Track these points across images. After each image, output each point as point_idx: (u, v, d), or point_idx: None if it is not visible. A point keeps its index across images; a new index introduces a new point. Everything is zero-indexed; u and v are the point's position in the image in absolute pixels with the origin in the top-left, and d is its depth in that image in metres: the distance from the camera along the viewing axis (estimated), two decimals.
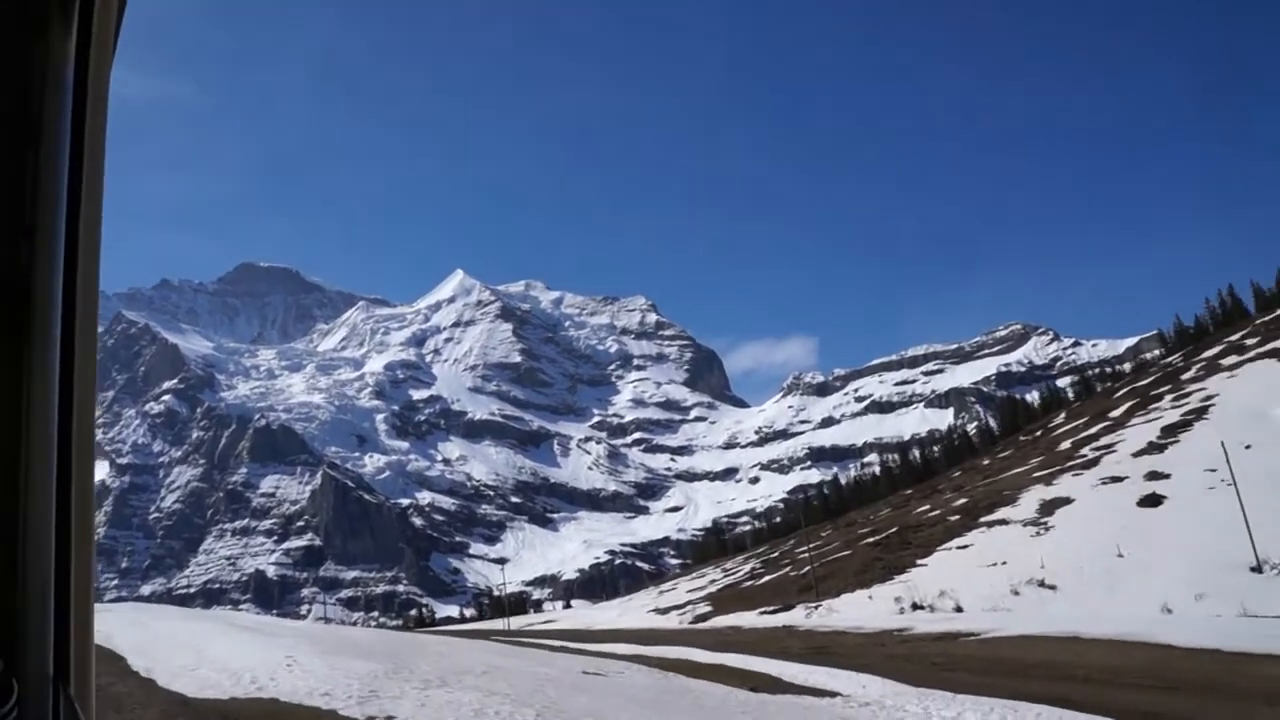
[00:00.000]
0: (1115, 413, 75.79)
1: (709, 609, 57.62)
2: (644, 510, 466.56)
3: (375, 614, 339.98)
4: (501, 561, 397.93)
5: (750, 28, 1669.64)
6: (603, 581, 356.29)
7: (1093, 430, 72.42)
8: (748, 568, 79.05)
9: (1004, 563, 47.50)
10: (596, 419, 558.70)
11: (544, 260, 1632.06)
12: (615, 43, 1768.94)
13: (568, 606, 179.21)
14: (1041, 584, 45.13)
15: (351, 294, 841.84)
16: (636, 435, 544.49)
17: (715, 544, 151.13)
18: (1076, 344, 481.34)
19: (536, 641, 40.46)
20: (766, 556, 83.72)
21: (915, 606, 45.15)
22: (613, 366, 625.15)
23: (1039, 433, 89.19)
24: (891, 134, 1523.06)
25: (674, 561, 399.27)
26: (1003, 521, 53.60)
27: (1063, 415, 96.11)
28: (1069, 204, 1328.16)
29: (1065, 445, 70.93)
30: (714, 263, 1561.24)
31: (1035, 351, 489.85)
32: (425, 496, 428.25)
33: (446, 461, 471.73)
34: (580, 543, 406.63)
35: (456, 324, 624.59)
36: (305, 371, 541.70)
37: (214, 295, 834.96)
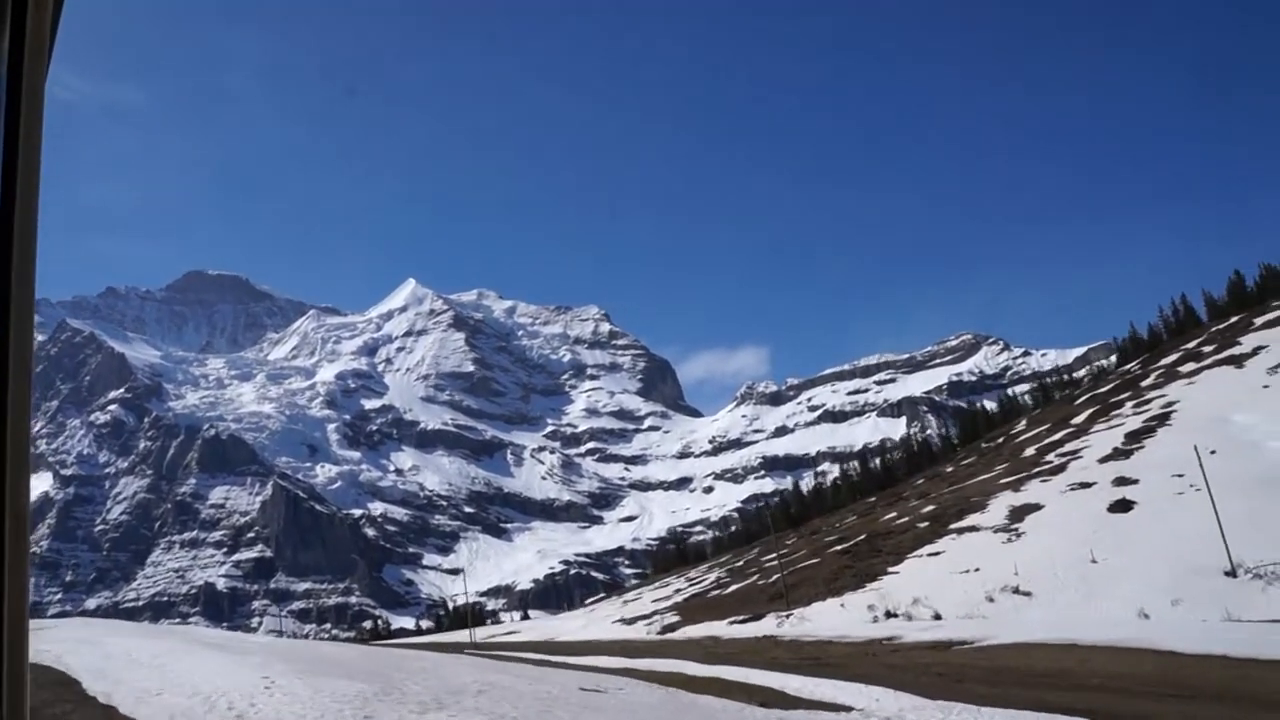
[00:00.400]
0: (1077, 419, 76.09)
1: (677, 619, 56.83)
2: (598, 520, 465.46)
3: (327, 626, 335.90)
4: (455, 572, 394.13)
5: (700, 29, 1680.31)
6: (558, 592, 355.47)
7: (1056, 437, 72.58)
8: (713, 577, 78.38)
9: (977, 569, 47.10)
10: (550, 428, 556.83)
11: (497, 269, 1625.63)
12: (564, 46, 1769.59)
13: (525, 618, 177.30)
14: (1016, 590, 44.74)
15: (302, 302, 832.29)
16: (590, 445, 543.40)
17: (676, 553, 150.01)
18: (1026, 354, 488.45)
19: (515, 655, 39.21)
20: (731, 565, 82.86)
21: (889, 614, 44.58)
22: (566, 376, 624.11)
23: (1001, 440, 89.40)
24: (844, 141, 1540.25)
25: (629, 571, 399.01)
26: (973, 528, 53.27)
27: (1024, 422, 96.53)
28: (1019, 213, 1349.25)
29: (1030, 452, 70.99)
30: (667, 272, 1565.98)
31: (986, 361, 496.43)
32: (378, 507, 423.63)
33: (399, 472, 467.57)
34: (535, 553, 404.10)
35: (408, 333, 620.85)
36: (255, 381, 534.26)
37: (161, 303, 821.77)
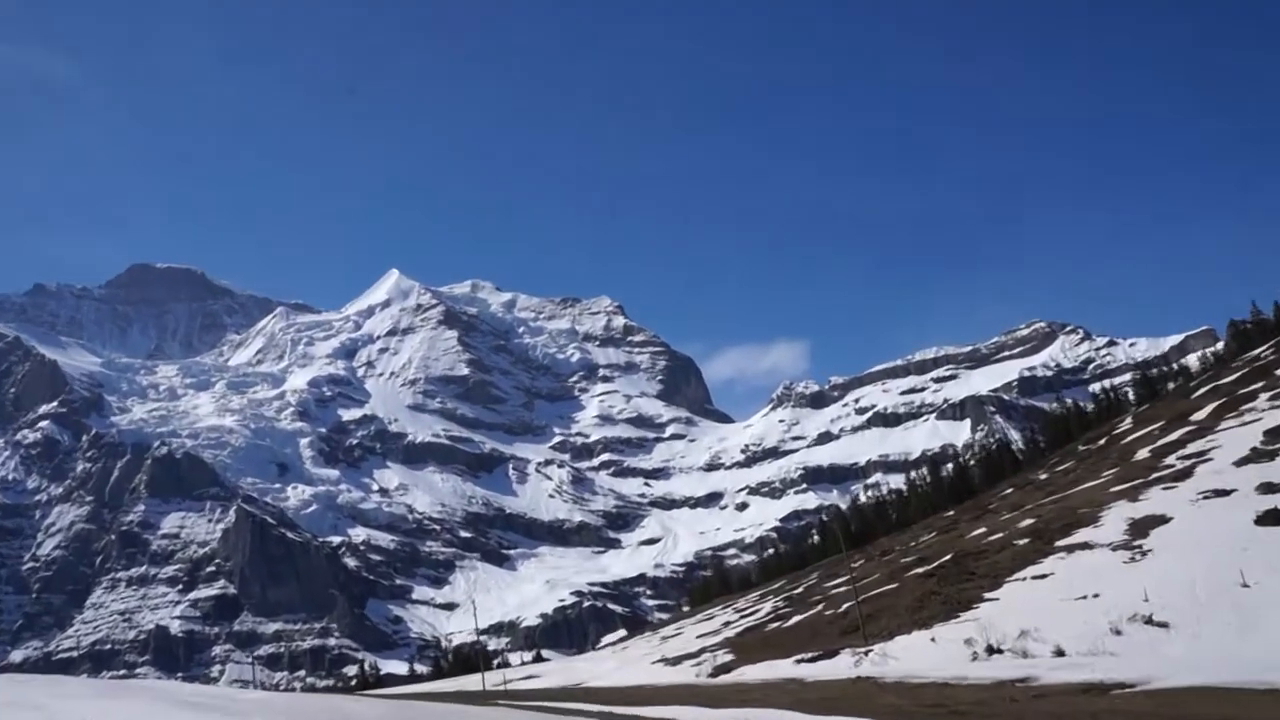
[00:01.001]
0: (1198, 415, 73.46)
1: (730, 658, 54.70)
2: (615, 544, 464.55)
3: (302, 673, 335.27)
4: (450, 607, 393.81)
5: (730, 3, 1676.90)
6: (570, 628, 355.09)
7: (1173, 436, 69.98)
8: (767, 607, 76.56)
9: (1095, 595, 44.72)
10: (558, 439, 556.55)
11: (492, 257, 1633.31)
12: (571, 12, 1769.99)
13: (538, 658, 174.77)
14: (1149, 620, 42.21)
15: (267, 299, 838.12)
16: (604, 457, 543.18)
17: (718, 581, 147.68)
18: (1111, 343, 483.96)
19: (569, 708, 37.17)
20: (788, 593, 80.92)
21: (992, 650, 42.29)
22: (575, 378, 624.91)
23: (1103, 441, 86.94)
24: (887, 113, 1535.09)
25: (651, 603, 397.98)
26: (1085, 545, 50.84)
27: (1129, 420, 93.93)
28: (1094, 188, 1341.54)
29: (1143, 454, 68.45)
30: (688, 258, 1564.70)
31: (1064, 353, 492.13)
32: (359, 533, 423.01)
33: (384, 492, 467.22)
34: (542, 583, 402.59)
35: (392, 332, 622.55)
36: (214, 390, 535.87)
37: (101, 302, 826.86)
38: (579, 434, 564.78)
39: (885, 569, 64.82)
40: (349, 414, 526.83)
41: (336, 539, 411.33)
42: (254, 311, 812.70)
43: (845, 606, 55.42)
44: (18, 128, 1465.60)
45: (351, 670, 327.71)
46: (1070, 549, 51.34)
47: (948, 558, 55.32)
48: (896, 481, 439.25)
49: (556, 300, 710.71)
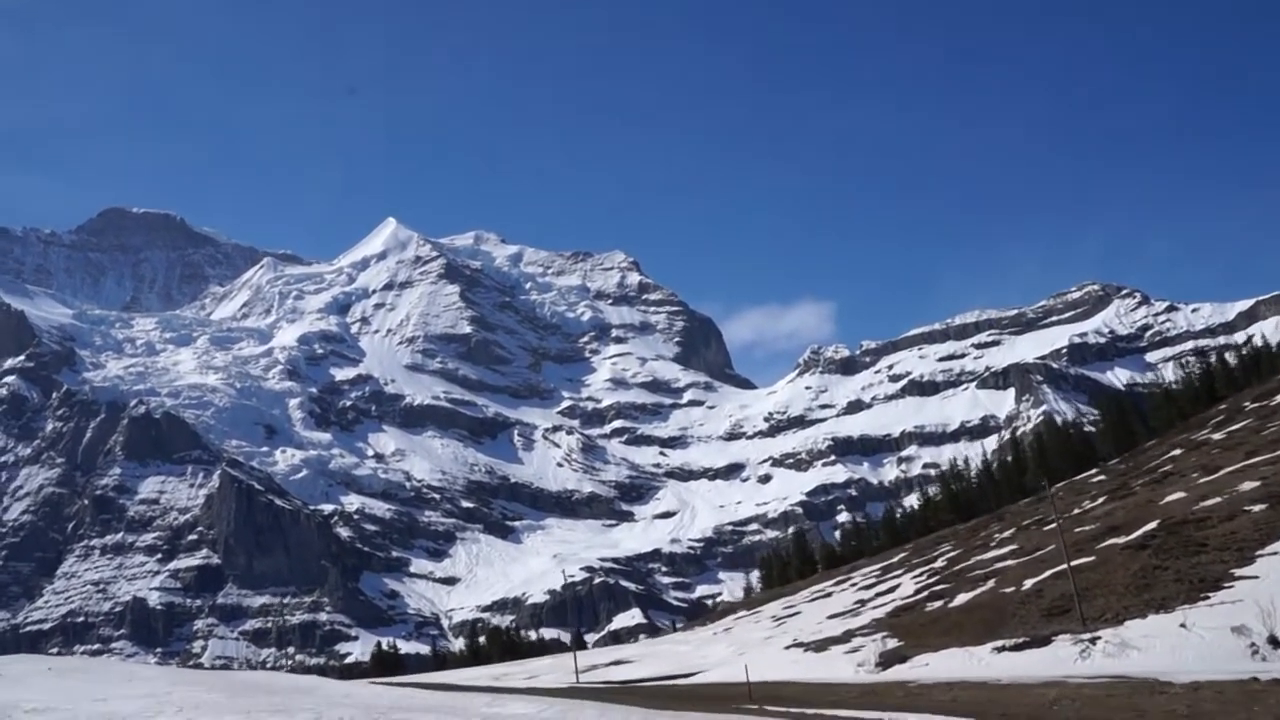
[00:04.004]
0: None
1: (896, 643, 47.76)
2: (628, 516, 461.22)
3: (290, 650, 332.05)
4: (451, 581, 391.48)
5: None
6: (580, 605, 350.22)
7: None
8: (909, 580, 69.89)
9: None
10: (567, 403, 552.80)
11: (497, 207, 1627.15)
12: None
13: (580, 642, 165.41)
14: None
15: (254, 248, 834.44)
16: (617, 424, 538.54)
17: (797, 555, 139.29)
18: (1172, 309, 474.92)
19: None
20: (925, 565, 73.82)
21: (1276, 642, 33.79)
22: (586, 339, 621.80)
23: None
24: (924, 54, 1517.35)
25: (666, 580, 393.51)
26: None
27: None
28: (1153, 141, 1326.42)
29: None
30: (707, 210, 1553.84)
31: (1119, 318, 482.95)
32: (353, 501, 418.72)
33: (379, 457, 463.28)
34: (549, 557, 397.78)
35: (389, 286, 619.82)
36: (196, 345, 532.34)
37: (72, 249, 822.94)
38: (590, 398, 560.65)
39: (1045, 540, 58.48)
40: (342, 373, 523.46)
41: (328, 507, 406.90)
42: (239, 262, 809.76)
43: (1031, 583, 47.81)
44: None
45: (346, 648, 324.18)
46: None
47: (1151, 526, 47.78)
48: (932, 455, 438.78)
49: (566, 254, 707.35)
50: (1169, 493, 55.30)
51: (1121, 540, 48.19)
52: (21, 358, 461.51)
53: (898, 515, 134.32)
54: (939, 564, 72.18)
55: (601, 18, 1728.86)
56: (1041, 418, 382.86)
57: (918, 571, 73.25)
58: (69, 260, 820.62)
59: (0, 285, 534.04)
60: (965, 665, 39.94)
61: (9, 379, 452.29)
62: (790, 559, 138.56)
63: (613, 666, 71.71)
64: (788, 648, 58.33)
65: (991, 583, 53.67)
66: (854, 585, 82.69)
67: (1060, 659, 36.66)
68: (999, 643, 41.07)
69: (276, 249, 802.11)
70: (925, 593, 60.61)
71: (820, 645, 54.81)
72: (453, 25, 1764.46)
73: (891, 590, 69.75)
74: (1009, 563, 57.31)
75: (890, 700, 32.56)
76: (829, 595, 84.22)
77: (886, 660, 44.80)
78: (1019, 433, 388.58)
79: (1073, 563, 42.96)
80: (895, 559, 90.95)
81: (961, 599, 53.30)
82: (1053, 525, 56.63)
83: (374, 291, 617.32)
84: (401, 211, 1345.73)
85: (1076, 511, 64.69)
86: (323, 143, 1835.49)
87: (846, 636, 54.94)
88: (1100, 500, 64.72)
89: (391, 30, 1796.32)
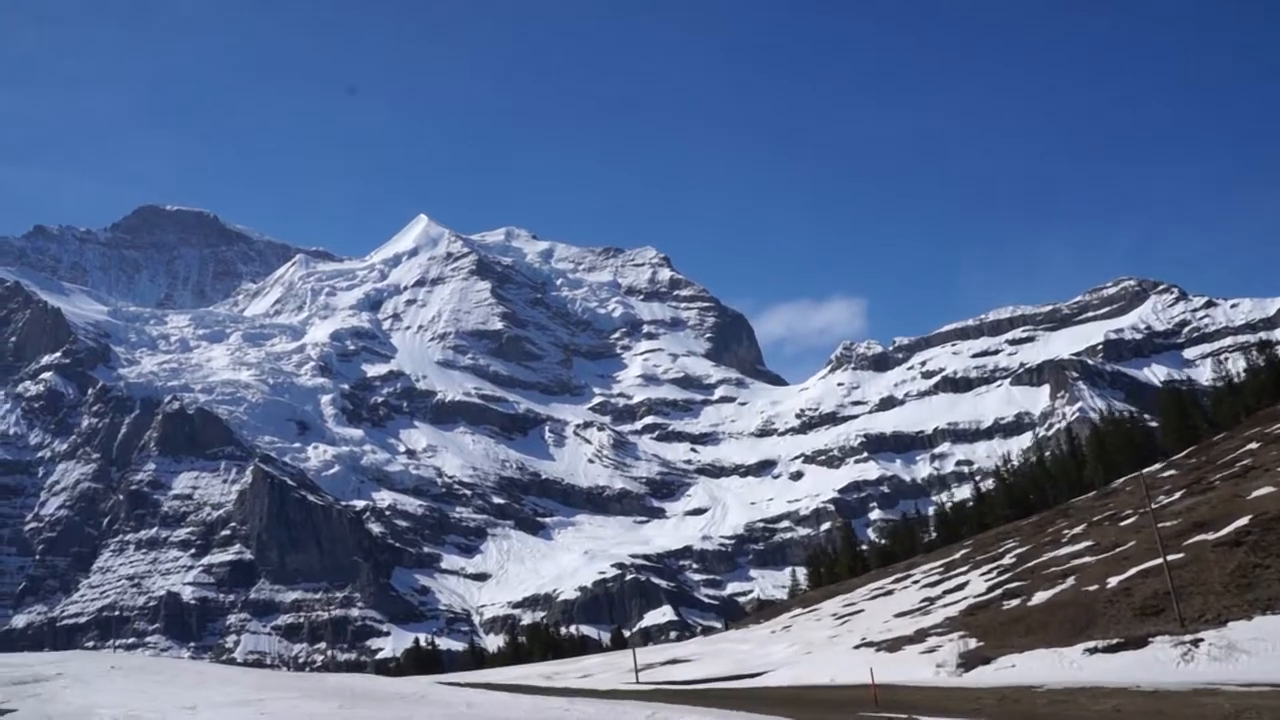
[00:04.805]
0: None
1: (975, 643, 46.79)
2: (659, 513, 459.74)
3: (322, 645, 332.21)
4: (482, 577, 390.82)
5: None
6: (611, 602, 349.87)
7: None
8: (977, 578, 68.52)
9: None
10: (598, 400, 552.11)
11: (529, 203, 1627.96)
12: None
13: (619, 642, 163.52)
14: None
15: (286, 245, 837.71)
16: (648, 420, 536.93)
17: (847, 551, 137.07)
18: (1210, 304, 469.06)
19: None
20: (991, 562, 72.55)
21: None
22: (617, 335, 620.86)
23: None
24: (957, 51, 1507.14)
25: (698, 577, 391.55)
26: None
27: None
28: (1190, 133, 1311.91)
29: None
30: (737, 206, 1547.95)
31: (1156, 314, 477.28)
32: (385, 497, 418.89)
33: (411, 453, 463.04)
34: (580, 554, 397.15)
35: (420, 282, 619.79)
36: (229, 342, 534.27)
37: (107, 246, 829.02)
38: (621, 395, 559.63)
39: (1123, 536, 57.25)
40: (374, 370, 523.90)
41: (360, 503, 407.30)
42: (271, 259, 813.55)
43: (1116, 581, 46.09)
44: (16, 57, 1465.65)
45: (377, 644, 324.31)
46: None
47: (1243, 522, 46.17)
48: (965, 452, 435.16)
49: (597, 250, 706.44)
50: (1255, 487, 53.88)
51: (1211, 537, 46.78)
52: (58, 354, 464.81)
53: (948, 509, 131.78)
54: (1007, 560, 70.87)
55: (634, 13, 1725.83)
56: (1076, 414, 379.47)
57: (985, 569, 72.08)
58: (104, 258, 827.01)
59: (37, 283, 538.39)
60: (1056, 668, 38.58)
61: (46, 375, 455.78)
62: (838, 556, 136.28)
63: (670, 665, 70.79)
64: (857, 647, 57.26)
65: (1071, 580, 52.28)
66: (916, 583, 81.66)
67: (1160, 662, 35.47)
68: (1090, 644, 39.73)
69: (309, 246, 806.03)
70: (999, 590, 59.39)
71: (893, 645, 53.82)
72: (482, 21, 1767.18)
73: (960, 588, 68.55)
74: (1087, 559, 55.77)
75: (1033, 710, 30.36)
76: (890, 593, 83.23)
77: (969, 661, 43.55)
78: (1054, 429, 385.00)
79: (1156, 562, 40.92)
80: (956, 555, 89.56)
81: (1040, 597, 51.95)
82: (1128, 521, 54.90)
83: (406, 288, 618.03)
84: (433, 208, 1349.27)
85: (1154, 506, 62.52)
86: (354, 139, 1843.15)
87: (920, 636, 54.07)
88: (1178, 495, 63.06)
89: (421, 26, 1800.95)
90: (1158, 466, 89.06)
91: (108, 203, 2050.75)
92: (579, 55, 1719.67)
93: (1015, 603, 52.94)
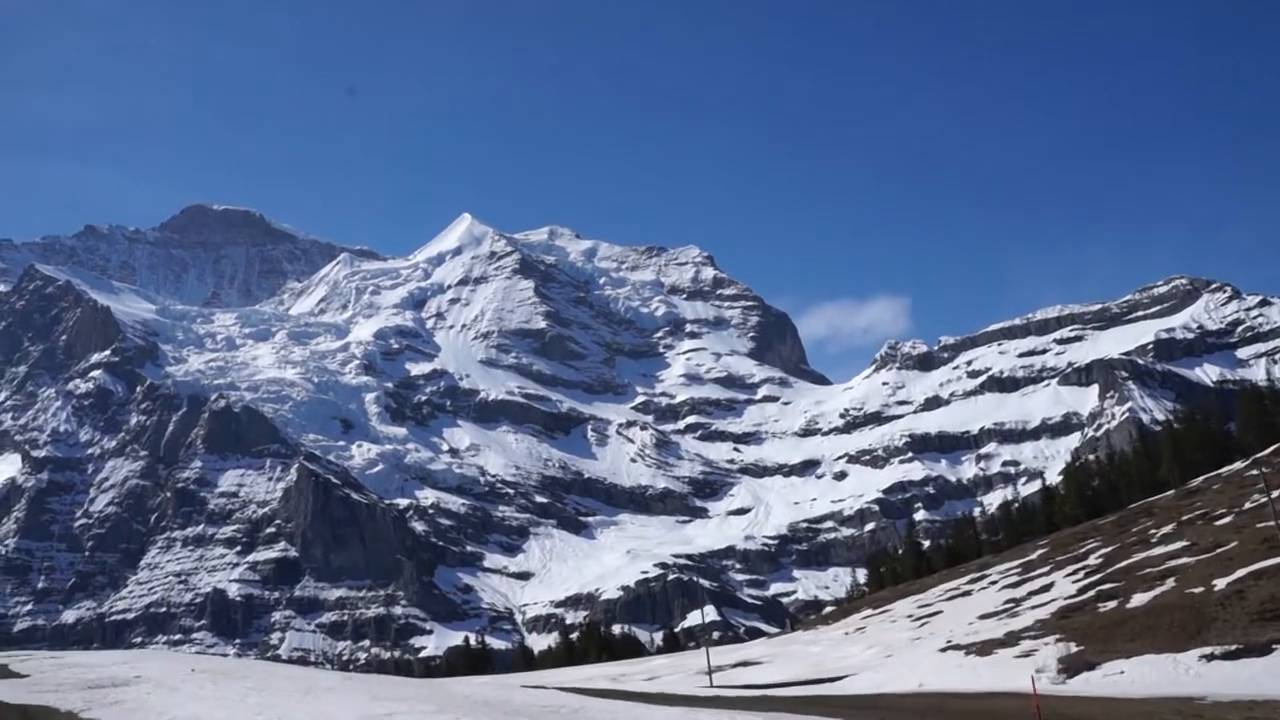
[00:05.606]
0: None
1: (1075, 648, 45.19)
2: (702, 513, 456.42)
3: (366, 643, 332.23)
4: (524, 576, 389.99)
5: None
6: (653, 602, 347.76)
7: None
8: (1063, 579, 66.88)
9: None
10: (641, 399, 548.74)
11: (572, 202, 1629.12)
12: None
13: (675, 643, 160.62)
14: None
15: (331, 244, 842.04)
16: (691, 419, 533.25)
17: (911, 553, 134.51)
18: (1265, 302, 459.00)
19: None
20: (1074, 562, 70.70)
21: None
22: (660, 334, 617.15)
23: None
24: (1001, 50, 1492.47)
25: (741, 577, 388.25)
26: None
27: None
28: (1241, 128, 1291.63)
29: None
30: (781, 206, 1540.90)
31: (1208, 313, 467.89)
32: (428, 496, 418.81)
33: (454, 452, 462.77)
34: (623, 553, 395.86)
35: (464, 281, 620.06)
36: (274, 340, 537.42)
37: (155, 245, 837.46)
38: (664, 394, 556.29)
39: (1222, 536, 55.94)
40: (417, 368, 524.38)
41: (403, 501, 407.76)
42: (316, 258, 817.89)
43: (1224, 583, 44.41)
44: (66, 59, 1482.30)
45: (420, 642, 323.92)
46: None
47: None
48: (1011, 452, 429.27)
49: (641, 249, 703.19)
50: None
51: None
52: (107, 352, 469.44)
53: (1014, 510, 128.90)
54: (1092, 561, 69.24)
55: (680, 12, 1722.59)
56: (1126, 414, 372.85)
57: (1069, 569, 70.46)
58: (152, 257, 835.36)
59: (87, 282, 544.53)
60: (1172, 676, 37.23)
61: (95, 373, 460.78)
62: (902, 555, 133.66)
63: (741, 668, 69.54)
64: (943, 650, 55.90)
65: (1171, 582, 51.05)
66: (994, 584, 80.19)
67: None
68: (1205, 650, 38.37)
69: (353, 245, 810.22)
70: (1092, 592, 58.01)
71: (983, 648, 52.37)
72: (529, 19, 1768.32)
73: (1045, 589, 67.03)
74: (1185, 560, 54.41)
75: None
76: (968, 594, 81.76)
77: (1072, 667, 42.10)
78: (1103, 430, 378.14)
79: (1269, 563, 38.01)
80: (1033, 555, 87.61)
81: (1140, 599, 50.66)
82: (1224, 520, 52.51)
83: (449, 287, 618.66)
84: (476, 207, 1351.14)
85: (1249, 506, 60.26)
86: (398, 138, 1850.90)
87: (1012, 639, 52.77)
88: (1277, 494, 59.58)
89: (463, 24, 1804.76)
90: (1240, 465, 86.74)
91: (156, 202, 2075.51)
92: (625, 54, 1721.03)
93: (1112, 605, 51.60)
